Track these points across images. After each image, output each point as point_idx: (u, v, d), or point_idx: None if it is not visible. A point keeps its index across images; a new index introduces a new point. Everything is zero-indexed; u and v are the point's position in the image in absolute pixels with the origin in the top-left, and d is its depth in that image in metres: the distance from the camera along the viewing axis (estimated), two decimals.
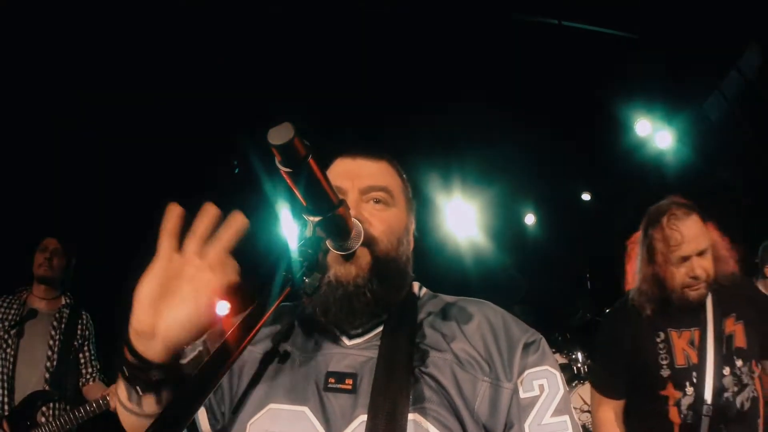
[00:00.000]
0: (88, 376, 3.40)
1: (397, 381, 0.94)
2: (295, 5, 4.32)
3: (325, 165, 1.06)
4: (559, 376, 1.01)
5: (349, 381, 0.98)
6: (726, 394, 1.89)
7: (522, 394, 0.98)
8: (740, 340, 1.95)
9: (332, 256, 0.99)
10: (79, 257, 3.53)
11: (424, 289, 1.20)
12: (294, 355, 1.06)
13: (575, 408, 4.62)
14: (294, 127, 0.69)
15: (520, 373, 0.99)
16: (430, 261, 6.27)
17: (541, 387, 0.99)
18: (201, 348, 1.15)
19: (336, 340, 1.07)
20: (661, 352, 1.98)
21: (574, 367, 5.14)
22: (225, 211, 0.97)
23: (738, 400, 1.90)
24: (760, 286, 3.30)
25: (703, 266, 1.93)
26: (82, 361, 3.40)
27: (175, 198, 0.89)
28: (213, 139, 5.32)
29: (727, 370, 1.91)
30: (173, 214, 0.82)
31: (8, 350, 3.11)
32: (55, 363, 3.21)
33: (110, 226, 4.70)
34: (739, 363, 1.92)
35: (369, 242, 1.02)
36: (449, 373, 0.97)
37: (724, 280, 1.99)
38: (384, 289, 1.04)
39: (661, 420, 1.96)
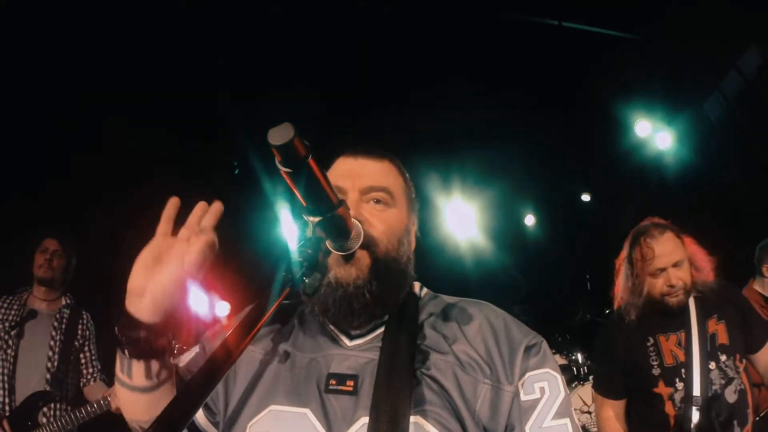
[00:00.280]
0: (89, 377, 3.40)
1: (399, 383, 0.94)
2: (295, 5, 4.32)
3: (325, 165, 1.06)
4: (560, 379, 1.01)
5: (351, 383, 0.98)
6: (714, 387, 2.12)
7: (523, 397, 0.98)
8: (723, 338, 2.19)
9: (333, 257, 0.99)
10: (79, 257, 3.53)
11: (425, 290, 1.20)
12: (294, 356, 1.06)
13: (575, 409, 4.62)
14: (294, 127, 0.69)
15: (521, 375, 0.99)
16: (430, 261, 6.27)
17: (542, 390, 0.99)
18: (198, 350, 1.16)
19: (337, 341, 1.07)
20: (651, 354, 2.25)
21: (574, 368, 5.14)
22: (225, 212, 1.00)
23: (726, 392, 2.12)
24: (758, 286, 3.33)
25: (679, 276, 2.21)
26: (83, 361, 3.40)
27: (177, 198, 0.95)
28: (213, 140, 5.32)
29: (712, 365, 2.15)
30: (172, 204, 0.99)
31: (9, 351, 3.11)
32: (55, 363, 3.21)
33: (110, 226, 4.70)
34: (723, 358, 2.16)
35: (369, 243, 1.02)
36: (451, 375, 0.97)
37: (703, 287, 2.26)
38: (384, 289, 1.04)
39: (657, 414, 2.21)
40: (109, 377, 3.46)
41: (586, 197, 7.24)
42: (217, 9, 4.17)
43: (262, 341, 1.11)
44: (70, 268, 3.46)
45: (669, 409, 2.18)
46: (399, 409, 0.90)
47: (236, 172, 5.73)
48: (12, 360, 3.10)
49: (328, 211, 0.84)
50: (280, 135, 0.69)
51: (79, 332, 3.38)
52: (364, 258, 1.02)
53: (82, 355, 3.40)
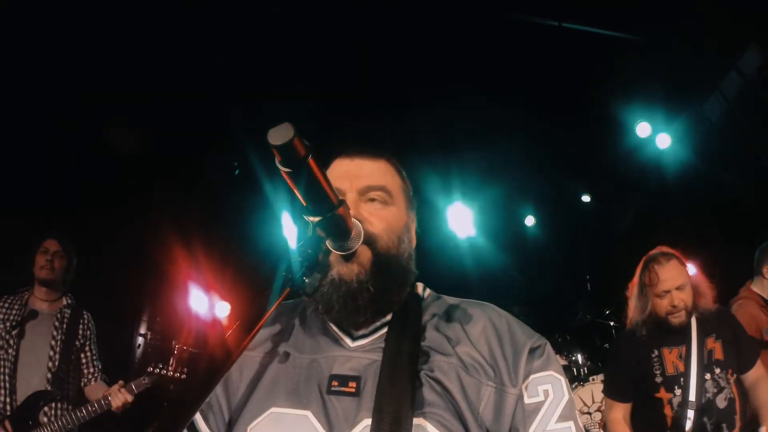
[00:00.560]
0: (90, 376, 3.41)
1: (402, 385, 0.93)
2: (295, 5, 4.32)
3: (324, 165, 1.05)
4: (564, 382, 1.01)
5: (353, 384, 0.97)
6: (707, 395, 2.48)
7: (527, 400, 0.97)
8: (719, 354, 2.55)
9: (334, 255, 0.98)
10: (79, 258, 3.54)
11: (428, 290, 1.19)
12: (295, 357, 1.05)
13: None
14: (294, 127, 0.69)
15: (525, 378, 0.99)
16: (431, 262, 6.26)
17: (546, 392, 0.98)
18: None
19: (339, 342, 1.06)
20: (655, 364, 2.60)
21: (574, 369, 5.13)
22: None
23: (718, 400, 2.49)
24: (756, 287, 3.37)
25: (681, 297, 2.55)
26: (84, 361, 3.41)
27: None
28: (213, 140, 5.32)
29: (708, 376, 2.51)
30: None
31: (10, 351, 3.12)
32: (56, 363, 3.21)
33: (111, 226, 4.70)
34: (717, 371, 2.52)
35: (369, 241, 1.02)
36: (454, 377, 0.97)
37: (705, 310, 2.61)
38: (386, 286, 1.04)
39: (657, 415, 2.56)
40: (109, 377, 3.47)
41: (586, 198, 7.23)
42: (217, 9, 4.17)
43: (262, 342, 1.10)
44: (71, 269, 3.46)
45: (668, 411, 2.52)
46: (402, 411, 0.90)
47: (236, 172, 5.73)
48: (13, 360, 3.11)
49: (328, 211, 0.84)
50: (279, 135, 0.69)
51: (80, 332, 3.38)
52: (365, 255, 1.02)
53: (82, 355, 3.40)
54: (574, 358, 5.20)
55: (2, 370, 3.08)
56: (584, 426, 4.47)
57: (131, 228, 4.85)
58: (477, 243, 6.88)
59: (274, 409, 0.98)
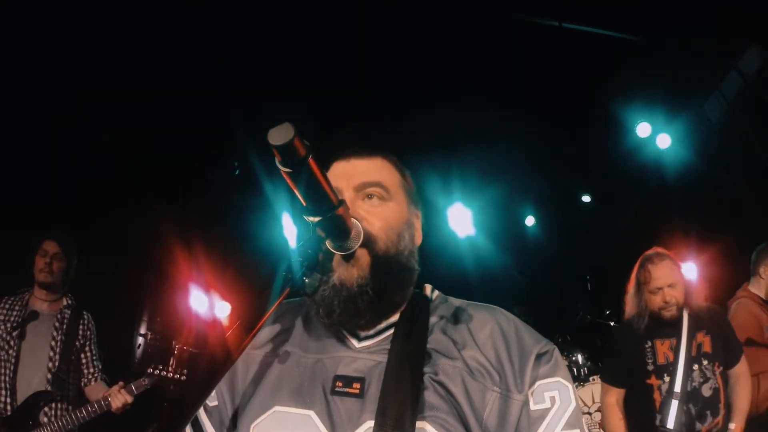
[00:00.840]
0: (90, 377, 3.41)
1: (406, 387, 0.92)
2: (295, 5, 4.32)
3: (324, 166, 1.05)
4: (571, 389, 0.99)
5: (357, 385, 0.97)
6: (694, 383, 2.74)
7: (533, 406, 0.96)
8: (707, 347, 2.80)
9: (336, 258, 0.98)
10: (80, 258, 3.53)
11: (436, 292, 1.17)
12: (299, 357, 1.05)
13: None
14: (294, 127, 0.69)
15: (532, 384, 0.97)
16: (430, 262, 6.25)
17: (553, 399, 0.97)
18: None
19: (344, 342, 1.05)
20: (648, 353, 2.88)
21: (574, 369, 5.13)
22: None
23: (703, 389, 2.74)
24: (754, 288, 3.41)
25: (673, 294, 2.82)
26: (84, 361, 3.41)
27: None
28: (213, 140, 5.32)
29: (696, 367, 2.77)
30: None
31: (10, 351, 3.12)
32: (57, 364, 3.21)
33: (111, 226, 4.70)
34: (705, 362, 2.77)
35: (368, 241, 1.01)
36: (459, 381, 0.96)
37: (697, 307, 2.89)
38: (387, 286, 1.03)
39: (647, 399, 2.83)
40: (109, 377, 3.47)
41: (586, 198, 7.23)
42: (217, 9, 4.17)
43: (266, 342, 1.09)
44: (71, 270, 3.46)
45: (657, 396, 2.80)
46: (405, 414, 0.89)
47: (236, 172, 5.73)
48: (14, 361, 3.11)
49: (328, 211, 0.84)
50: (280, 135, 0.69)
51: (80, 332, 3.38)
52: (363, 257, 1.01)
53: (83, 356, 3.40)
54: (574, 359, 5.20)
55: (3, 371, 3.09)
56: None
57: (131, 228, 4.86)
58: (477, 243, 6.88)
59: (277, 408, 0.98)
